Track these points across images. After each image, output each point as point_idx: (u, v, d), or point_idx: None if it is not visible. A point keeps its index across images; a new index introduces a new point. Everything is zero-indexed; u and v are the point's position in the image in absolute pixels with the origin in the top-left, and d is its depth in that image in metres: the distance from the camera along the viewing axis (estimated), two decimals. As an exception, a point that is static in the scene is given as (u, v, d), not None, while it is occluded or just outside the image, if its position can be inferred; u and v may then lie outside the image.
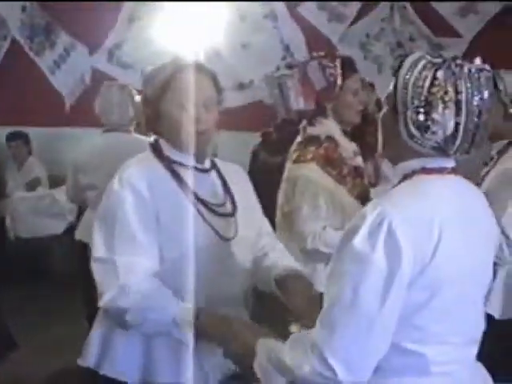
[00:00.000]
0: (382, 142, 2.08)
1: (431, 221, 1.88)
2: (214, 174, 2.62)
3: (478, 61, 2.00)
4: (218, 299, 2.43)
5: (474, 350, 2.07)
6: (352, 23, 6.44)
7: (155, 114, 2.50)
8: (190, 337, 2.31)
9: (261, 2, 6.72)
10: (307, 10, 6.63)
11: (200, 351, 2.40)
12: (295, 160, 3.34)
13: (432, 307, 1.91)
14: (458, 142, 1.92)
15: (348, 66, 3.34)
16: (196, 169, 2.54)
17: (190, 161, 2.52)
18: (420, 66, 1.93)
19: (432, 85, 1.90)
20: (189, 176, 2.51)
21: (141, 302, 2.33)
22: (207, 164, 2.61)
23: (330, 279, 1.92)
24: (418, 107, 1.91)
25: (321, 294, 2.06)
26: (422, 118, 1.91)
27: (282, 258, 2.71)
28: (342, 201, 3.30)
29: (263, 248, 2.72)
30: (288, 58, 6.57)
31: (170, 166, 2.51)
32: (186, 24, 6.14)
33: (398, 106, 1.95)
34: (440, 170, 1.98)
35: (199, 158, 2.55)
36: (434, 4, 6.20)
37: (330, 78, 3.31)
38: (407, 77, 1.93)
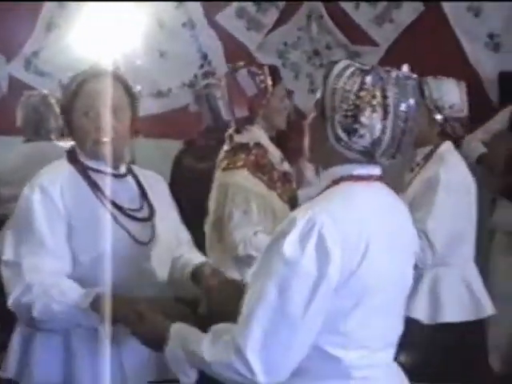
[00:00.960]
0: (310, 147, 2.11)
1: (360, 230, 1.94)
2: (130, 179, 2.67)
3: (405, 68, 2.18)
4: None
5: (392, 353, 2.13)
6: (270, 31, 6.46)
7: (68, 122, 2.58)
8: (100, 323, 2.36)
9: (180, 10, 6.71)
10: (225, 19, 6.63)
11: (122, 358, 2.46)
12: (225, 167, 3.43)
13: (356, 314, 1.95)
14: (384, 146, 1.98)
15: (275, 74, 3.52)
16: (111, 174, 2.59)
17: (105, 167, 2.58)
18: (348, 72, 2.00)
19: (360, 89, 1.96)
20: (103, 181, 2.56)
21: (43, 296, 2.38)
22: (122, 170, 2.66)
23: (256, 279, 1.95)
24: (346, 111, 1.96)
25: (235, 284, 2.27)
26: (349, 121, 1.96)
27: (195, 256, 2.80)
28: (273, 206, 3.40)
29: (181, 254, 2.77)
30: (206, 67, 6.57)
31: (85, 171, 2.56)
32: (104, 31, 6.09)
33: (327, 110, 2.00)
34: (367, 178, 2.04)
35: (114, 164, 2.59)
36: (351, 13, 6.27)
37: (260, 85, 3.44)
38: (336, 82, 2.00)
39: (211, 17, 6.70)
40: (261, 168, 3.42)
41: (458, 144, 4.07)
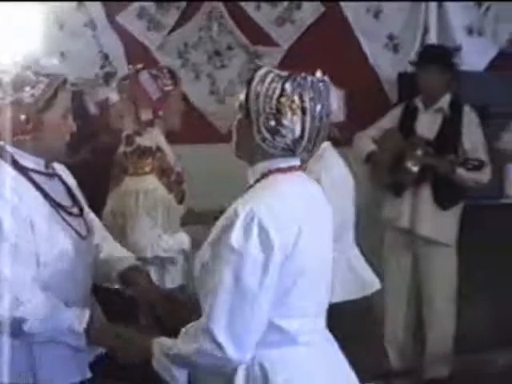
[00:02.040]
0: (237, 146, 2.38)
1: (292, 216, 2.22)
2: (57, 177, 2.73)
3: (318, 73, 2.29)
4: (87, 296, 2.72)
5: (324, 320, 2.44)
6: (170, 32, 6.42)
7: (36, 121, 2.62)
8: (83, 343, 2.50)
9: (80, 10, 6.63)
10: (126, 19, 6.57)
11: None
12: (133, 173, 3.50)
13: (296, 288, 2.24)
14: (303, 144, 2.25)
15: (174, 76, 3.71)
16: (45, 174, 2.65)
17: (39, 166, 2.65)
18: (269, 78, 2.25)
19: (281, 95, 2.21)
20: (41, 181, 2.64)
21: (36, 314, 2.45)
22: (51, 168, 2.71)
23: (209, 270, 2.21)
24: (269, 114, 2.21)
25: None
26: (273, 123, 2.22)
27: (115, 248, 2.97)
28: (173, 208, 3.56)
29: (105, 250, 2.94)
30: (107, 67, 6.49)
31: (26, 172, 2.59)
32: (3, 31, 5.97)
33: (251, 114, 2.25)
34: (290, 169, 2.31)
35: (47, 163, 2.67)
36: (252, 13, 6.27)
37: (163, 87, 3.60)
38: (258, 88, 2.24)
39: (112, 17, 6.62)
40: (164, 172, 3.55)
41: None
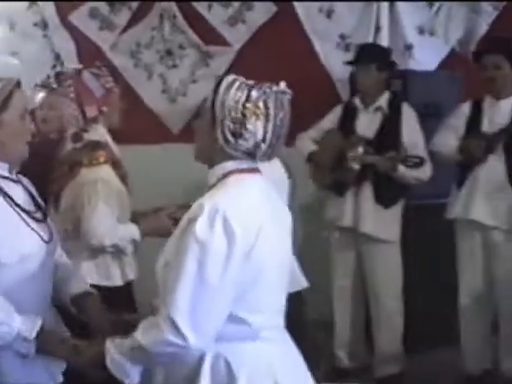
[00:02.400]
0: (200, 147, 2.47)
1: (253, 214, 2.32)
2: (20, 184, 2.71)
3: (282, 85, 2.40)
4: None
5: (283, 317, 2.51)
6: (122, 32, 6.39)
7: None
8: (33, 351, 2.46)
9: (32, 10, 6.59)
10: (78, 19, 6.54)
11: None
12: (88, 164, 3.52)
13: (259, 284, 2.33)
14: (264, 148, 2.36)
15: (113, 74, 3.81)
16: (9, 179, 2.63)
17: (4, 171, 2.63)
18: (236, 85, 2.36)
19: (247, 101, 2.32)
20: (5, 185, 2.61)
21: None
22: (15, 174, 2.70)
23: (175, 258, 2.28)
24: (234, 119, 2.32)
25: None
26: (237, 127, 2.32)
27: (69, 269, 2.92)
28: (126, 198, 3.59)
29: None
30: (58, 67, 6.44)
31: None
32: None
33: (217, 117, 2.35)
34: (251, 170, 2.42)
35: (11, 167, 2.67)
36: (204, 13, 6.26)
37: (105, 85, 3.68)
38: (225, 94, 2.34)
39: (64, 17, 6.58)
40: (115, 164, 3.59)
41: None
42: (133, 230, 3.55)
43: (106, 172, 3.52)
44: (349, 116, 5.13)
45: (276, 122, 2.35)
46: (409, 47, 6.20)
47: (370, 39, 6.13)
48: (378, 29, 6.17)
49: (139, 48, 6.37)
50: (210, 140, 2.38)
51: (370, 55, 5.08)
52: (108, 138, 3.69)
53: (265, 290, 2.37)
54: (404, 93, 5.53)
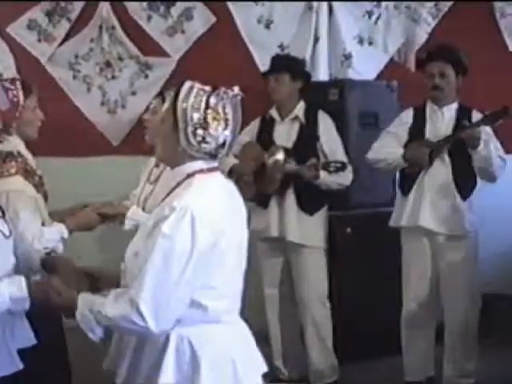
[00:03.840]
0: (162, 150, 2.63)
1: (217, 210, 2.49)
2: None
3: (236, 89, 2.54)
4: None
5: (239, 302, 2.68)
6: (61, 44, 6.34)
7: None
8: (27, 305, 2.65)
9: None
10: (16, 31, 6.49)
11: None
12: (0, 175, 3.54)
13: (220, 273, 2.50)
14: (225, 150, 2.57)
15: (27, 88, 3.71)
16: None
17: None
18: (194, 92, 2.49)
19: (207, 107, 2.47)
20: None
21: None
22: None
23: (144, 251, 2.43)
24: (196, 124, 2.47)
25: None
26: (200, 132, 2.48)
27: None
28: (42, 205, 3.63)
29: None
30: (-4, 79, 6.37)
31: None
32: None
33: (179, 123, 2.48)
34: (212, 170, 2.60)
35: None
36: (143, 24, 6.23)
37: (13, 99, 3.67)
38: (185, 101, 2.48)
39: (2, 29, 6.52)
40: (28, 173, 3.61)
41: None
42: (60, 229, 3.60)
43: (18, 182, 3.54)
44: (266, 128, 5.15)
45: (234, 124, 2.55)
46: (348, 57, 6.23)
47: (309, 49, 6.16)
48: (316, 38, 6.19)
49: (78, 60, 6.32)
50: (173, 143, 2.54)
51: (283, 65, 5.10)
52: (22, 149, 3.68)
53: (226, 279, 2.54)
54: (341, 102, 5.56)
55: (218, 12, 6.22)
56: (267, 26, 6.23)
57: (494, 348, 5.58)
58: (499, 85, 6.38)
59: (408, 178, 4.95)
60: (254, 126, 5.22)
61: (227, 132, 2.54)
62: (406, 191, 4.96)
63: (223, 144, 2.55)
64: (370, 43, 6.34)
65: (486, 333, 5.32)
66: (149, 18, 6.24)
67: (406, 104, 5.40)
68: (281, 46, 6.22)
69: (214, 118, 2.50)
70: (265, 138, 5.11)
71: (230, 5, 6.23)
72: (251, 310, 5.32)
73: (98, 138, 6.33)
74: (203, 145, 2.52)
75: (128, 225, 3.78)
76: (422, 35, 6.39)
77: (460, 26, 6.30)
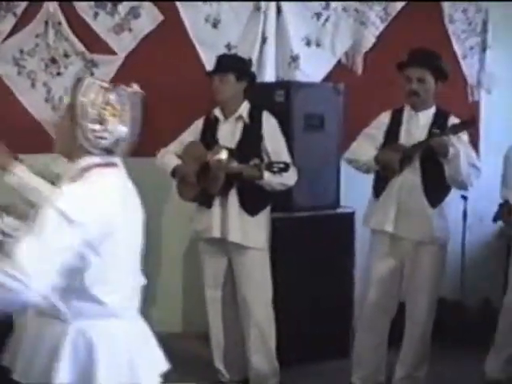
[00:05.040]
0: (60, 144, 2.71)
1: (106, 200, 2.55)
2: None
3: (135, 86, 2.69)
4: None
5: (138, 300, 2.81)
6: (5, 39, 6.23)
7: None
8: None
9: None
10: (-40, 25, 6.37)
11: None
12: None
13: (115, 269, 2.59)
14: (122, 146, 2.63)
15: None
16: None
17: None
18: (94, 88, 2.59)
19: (106, 103, 2.56)
20: None
21: None
22: None
23: (31, 224, 2.49)
24: (94, 120, 2.55)
25: None
26: (97, 127, 2.56)
27: None
28: None
29: None
30: None
31: None
32: None
33: (78, 118, 2.56)
34: (110, 164, 2.64)
35: None
36: (89, 21, 6.15)
37: None
38: (84, 96, 2.56)
39: None
40: None
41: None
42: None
43: None
44: (210, 127, 5.11)
45: (132, 121, 2.64)
46: (295, 58, 6.24)
47: (256, 49, 6.16)
48: (264, 39, 6.19)
49: (23, 55, 6.21)
50: (71, 137, 2.61)
51: (228, 65, 5.07)
52: None
53: (121, 275, 2.64)
54: (287, 103, 5.56)
55: (166, 10, 6.17)
56: (214, 26, 6.20)
57: (441, 352, 5.64)
58: (444, 88, 6.44)
59: (380, 181, 4.97)
60: (198, 125, 5.18)
61: (124, 128, 2.62)
62: (377, 194, 4.98)
63: (120, 140, 2.63)
64: (318, 45, 6.36)
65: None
66: (95, 15, 6.15)
67: (351, 107, 5.42)
68: (228, 46, 6.20)
69: (113, 115, 2.59)
70: (208, 138, 5.08)
71: (178, 3, 6.19)
72: (192, 312, 5.38)
73: (43, 135, 6.24)
74: (100, 140, 2.59)
75: (8, 179, 3.61)
76: (370, 38, 6.43)
77: (408, 30, 6.36)
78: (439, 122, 4.82)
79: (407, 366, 5.02)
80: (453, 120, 4.82)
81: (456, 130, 4.70)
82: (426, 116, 4.91)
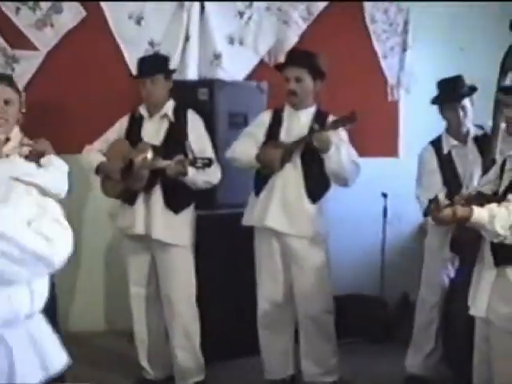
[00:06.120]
0: None
1: None
2: None
3: None
4: None
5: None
6: None
7: None
8: None
9: None
10: None
11: None
12: None
13: None
14: None
15: None
16: None
17: None
18: None
19: None
20: None
21: None
22: None
23: None
24: None
25: None
26: None
27: None
28: None
29: None
30: None
31: None
32: None
33: None
34: None
35: None
36: (11, 16, 6.06)
37: None
38: None
39: None
40: None
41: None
42: None
43: None
44: (135, 125, 5.11)
45: None
46: (218, 56, 6.26)
47: (180, 47, 6.16)
48: (187, 37, 6.19)
49: None
50: None
51: (157, 67, 5.08)
52: None
53: None
54: (211, 102, 5.58)
55: (89, 6, 6.13)
56: (138, 22, 6.18)
57: (357, 347, 5.74)
58: (365, 87, 6.55)
59: (261, 179, 5.01)
60: (122, 123, 5.17)
61: None
62: (258, 191, 5.01)
63: None
64: (241, 43, 6.39)
65: (349, 332, 5.46)
66: (17, 10, 6.05)
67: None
68: (151, 43, 6.19)
69: None
70: (133, 135, 5.06)
71: (101, 0, 6.16)
72: (116, 309, 5.36)
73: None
74: None
75: None
76: (292, 37, 6.49)
77: (331, 30, 6.44)
78: (319, 120, 4.89)
79: (315, 361, 5.07)
80: (332, 119, 4.89)
81: (336, 125, 4.78)
82: (307, 114, 4.98)
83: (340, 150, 4.78)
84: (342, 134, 4.88)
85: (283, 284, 5.02)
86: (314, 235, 4.95)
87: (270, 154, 4.89)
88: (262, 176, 4.99)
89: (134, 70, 5.46)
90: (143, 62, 5.14)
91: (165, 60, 5.26)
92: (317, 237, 4.96)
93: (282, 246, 4.98)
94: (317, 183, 4.92)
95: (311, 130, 4.81)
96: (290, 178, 4.89)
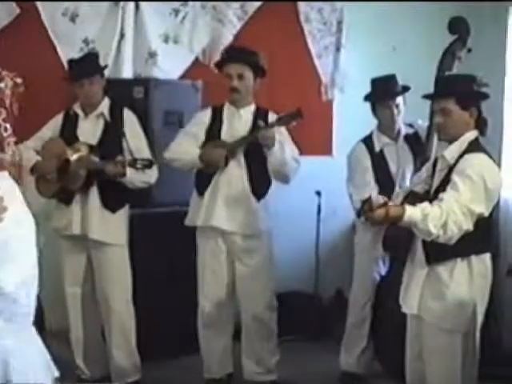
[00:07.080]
0: None
1: None
2: None
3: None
4: None
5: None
6: None
7: None
8: None
9: None
10: None
11: None
12: None
13: None
14: None
15: None
16: None
17: None
18: None
19: None
20: None
21: None
22: None
23: None
24: None
25: None
26: None
27: None
28: None
29: None
30: None
31: None
32: None
33: None
34: None
35: None
36: None
37: None
38: None
39: None
40: None
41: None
42: None
43: None
44: (70, 124, 5.08)
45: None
46: (153, 55, 6.24)
47: (114, 45, 6.12)
48: (122, 35, 6.16)
49: None
50: None
51: (94, 67, 5.08)
52: None
53: None
54: (146, 100, 5.58)
55: (23, 3, 6.05)
56: (72, 20, 6.13)
57: (293, 345, 5.78)
58: (299, 87, 6.60)
59: (204, 178, 5.01)
60: (57, 121, 5.13)
61: None
62: (201, 191, 5.02)
63: None
64: (176, 42, 6.38)
65: (285, 330, 5.49)
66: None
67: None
68: (85, 41, 6.13)
69: None
70: (68, 134, 5.03)
71: (35, -4, 6.09)
72: (50, 309, 5.31)
73: None
74: None
75: None
76: (227, 36, 6.50)
77: (265, 29, 6.47)
78: (261, 118, 4.93)
79: (255, 360, 5.12)
80: (272, 117, 4.95)
81: (282, 122, 4.83)
82: (247, 112, 5.03)
83: (283, 146, 4.82)
84: (282, 130, 4.92)
85: (226, 283, 5.05)
86: (259, 232, 5.00)
87: (214, 153, 4.90)
88: (204, 175, 5.00)
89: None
90: (77, 63, 5.09)
91: (97, 58, 5.23)
92: (262, 234, 5.01)
93: (227, 245, 5.01)
94: (261, 180, 4.97)
95: (256, 127, 4.84)
96: (234, 175, 4.93)
